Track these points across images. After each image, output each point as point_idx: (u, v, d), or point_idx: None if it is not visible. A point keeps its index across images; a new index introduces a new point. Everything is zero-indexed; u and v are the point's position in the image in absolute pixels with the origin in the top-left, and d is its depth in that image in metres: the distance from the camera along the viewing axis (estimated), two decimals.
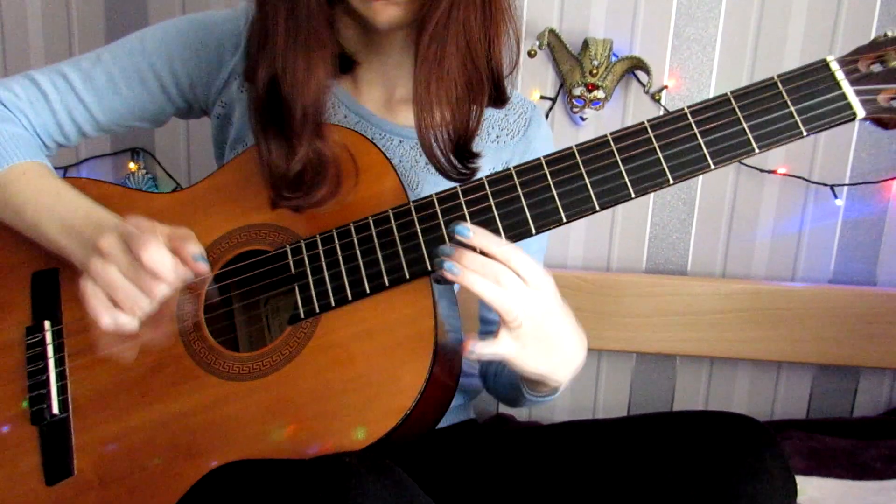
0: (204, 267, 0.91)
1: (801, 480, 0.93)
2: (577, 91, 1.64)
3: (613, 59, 1.63)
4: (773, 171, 1.68)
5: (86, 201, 1.03)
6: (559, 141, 1.51)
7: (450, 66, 0.98)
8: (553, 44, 1.65)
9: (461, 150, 1.03)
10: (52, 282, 1.05)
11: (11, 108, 1.09)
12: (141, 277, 0.88)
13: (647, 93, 1.66)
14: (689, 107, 0.91)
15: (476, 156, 1.05)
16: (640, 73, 1.65)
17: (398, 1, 0.97)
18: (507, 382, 1.16)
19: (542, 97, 1.69)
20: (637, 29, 1.66)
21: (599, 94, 1.63)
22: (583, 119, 1.67)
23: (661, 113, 1.65)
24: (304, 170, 0.99)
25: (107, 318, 0.89)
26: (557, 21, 1.67)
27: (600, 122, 1.69)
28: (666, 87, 1.67)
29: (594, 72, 1.62)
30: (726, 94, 0.90)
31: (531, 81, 1.69)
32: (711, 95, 1.65)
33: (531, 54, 1.63)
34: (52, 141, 1.14)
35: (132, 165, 1.75)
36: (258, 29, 1.01)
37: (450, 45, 0.97)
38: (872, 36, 1.59)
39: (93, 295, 0.90)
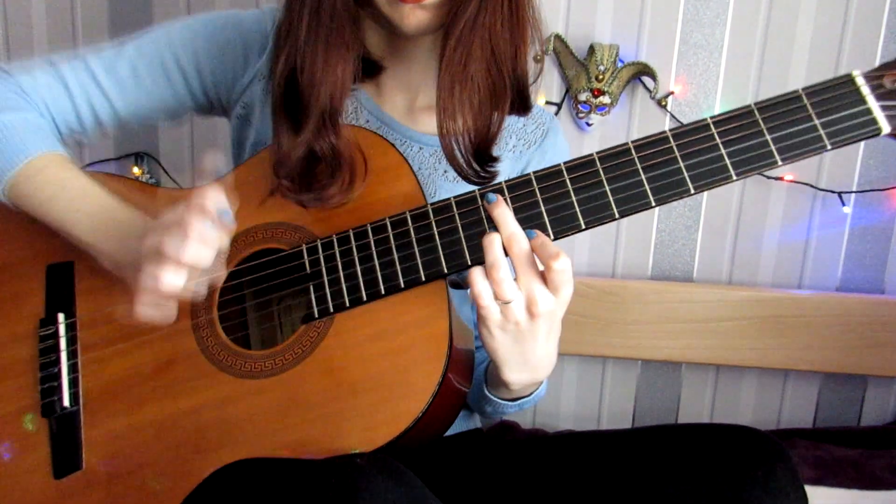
0: (227, 220, 0.91)
1: (808, 490, 0.93)
2: (583, 96, 1.64)
3: (619, 64, 1.63)
4: (780, 178, 1.68)
5: (110, 199, 1.02)
6: (570, 151, 1.50)
7: (474, 71, 0.98)
8: (559, 49, 1.64)
9: (481, 155, 1.03)
10: (66, 274, 1.05)
11: (31, 94, 1.08)
12: (191, 230, 0.87)
13: (653, 98, 1.65)
14: (711, 117, 0.90)
15: (495, 160, 1.04)
16: (647, 79, 1.65)
17: (426, 5, 0.96)
18: (475, 382, 1.16)
19: (547, 102, 1.69)
20: (643, 34, 1.65)
21: (605, 99, 1.63)
22: (588, 124, 1.67)
23: (668, 119, 1.67)
24: (320, 166, 0.99)
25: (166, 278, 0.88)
26: (563, 26, 1.67)
27: (606, 128, 1.69)
28: (672, 92, 1.66)
29: (600, 77, 1.61)
30: (750, 106, 0.90)
31: (537, 86, 1.68)
32: (718, 101, 1.66)
33: (537, 59, 1.62)
34: (68, 128, 1.13)
35: (136, 170, 1.74)
36: (284, 23, 1.01)
37: (475, 50, 0.97)
38: (881, 40, 1.61)
39: (148, 285, 0.89)
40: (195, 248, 0.88)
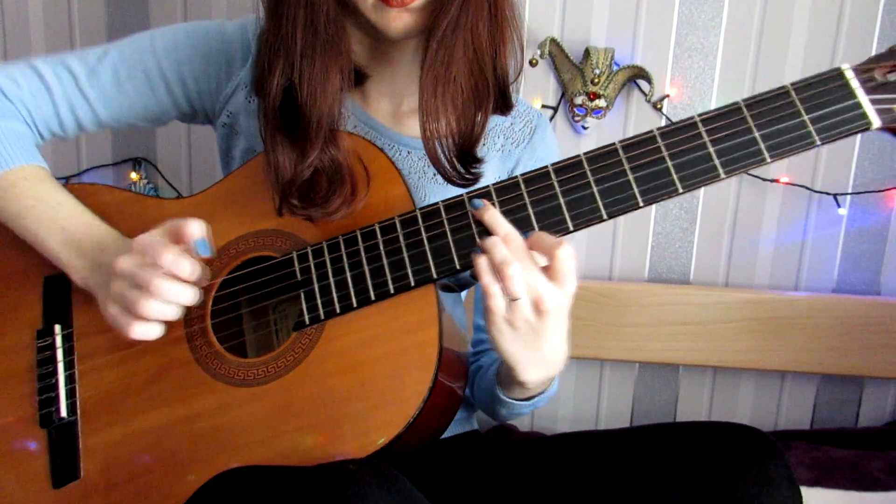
0: (204, 251, 0.93)
1: (805, 492, 0.93)
2: (579, 100, 1.64)
3: (615, 67, 1.63)
4: (776, 180, 1.68)
5: (86, 214, 1.03)
6: (560, 150, 1.50)
7: (456, 72, 0.98)
8: (554, 53, 1.65)
9: (465, 156, 1.03)
10: (63, 286, 1.05)
11: (13, 98, 1.07)
12: (155, 288, 0.90)
13: (648, 102, 1.66)
14: (699, 115, 0.89)
15: (479, 161, 1.04)
16: (642, 82, 1.65)
17: (412, 8, 0.97)
18: (485, 387, 1.16)
19: (543, 106, 1.69)
20: (638, 38, 1.66)
21: (601, 102, 1.63)
22: (584, 128, 1.67)
23: (663, 122, 1.67)
24: (320, 179, 0.99)
25: (135, 329, 0.93)
26: (559, 30, 1.67)
27: (602, 131, 1.69)
28: (668, 95, 1.67)
29: (595, 81, 1.62)
30: (738, 103, 0.89)
31: (533, 90, 1.68)
32: (713, 104, 1.66)
33: (533, 63, 1.63)
34: (49, 132, 1.13)
35: (133, 175, 1.74)
36: (270, 36, 1.00)
37: (457, 50, 0.97)
38: (874, 44, 1.61)
39: (118, 315, 0.94)
40: (158, 307, 0.92)
